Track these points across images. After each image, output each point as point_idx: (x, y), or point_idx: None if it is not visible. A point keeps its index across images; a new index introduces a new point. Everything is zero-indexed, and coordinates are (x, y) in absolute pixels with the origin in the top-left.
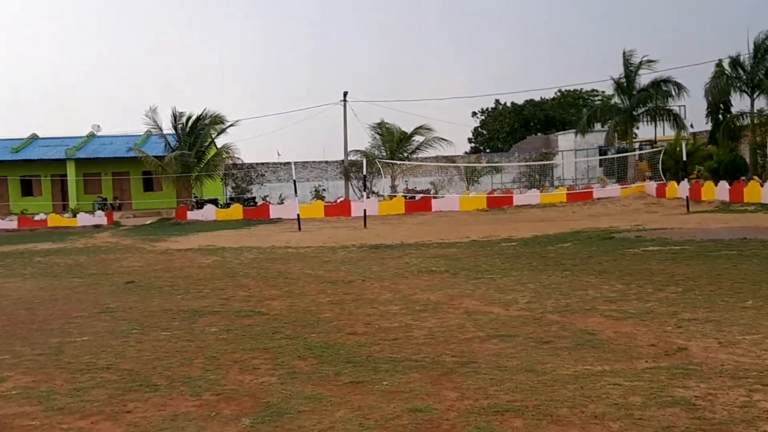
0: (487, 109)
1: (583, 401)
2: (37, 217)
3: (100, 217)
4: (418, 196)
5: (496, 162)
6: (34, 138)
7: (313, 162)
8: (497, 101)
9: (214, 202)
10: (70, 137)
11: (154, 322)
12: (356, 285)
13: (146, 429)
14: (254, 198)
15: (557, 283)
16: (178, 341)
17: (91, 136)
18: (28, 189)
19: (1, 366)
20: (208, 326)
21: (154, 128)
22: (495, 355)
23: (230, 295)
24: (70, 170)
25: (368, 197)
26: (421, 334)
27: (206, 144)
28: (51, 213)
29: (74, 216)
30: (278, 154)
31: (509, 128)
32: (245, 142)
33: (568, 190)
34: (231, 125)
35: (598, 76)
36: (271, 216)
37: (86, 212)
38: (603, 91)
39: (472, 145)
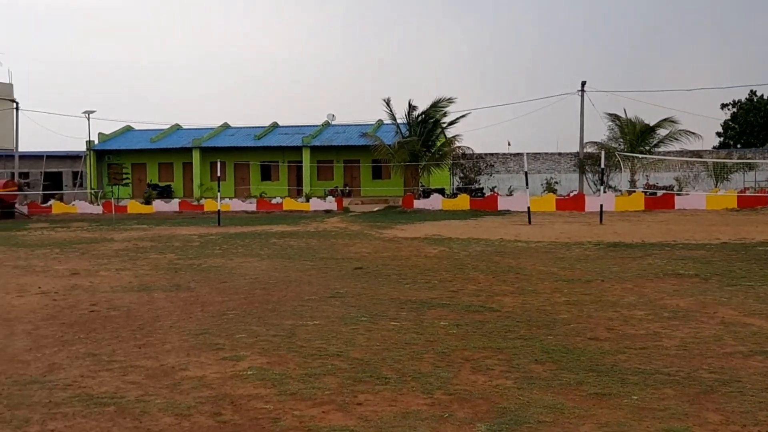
0: (738, 101)
1: None
2: (273, 201)
3: (330, 203)
4: (660, 192)
5: (749, 158)
6: (274, 126)
7: (546, 153)
8: (752, 92)
9: (441, 191)
10: (307, 126)
11: (382, 310)
12: (595, 285)
13: (377, 425)
14: (482, 188)
15: None
16: (407, 333)
17: (326, 125)
18: (267, 174)
19: (239, 345)
20: (437, 319)
21: (388, 117)
22: (761, 374)
23: (459, 288)
24: (306, 157)
25: (605, 191)
26: (672, 345)
27: (436, 133)
28: (286, 197)
29: (307, 201)
30: (509, 144)
31: (765, 122)
32: (476, 132)
33: None
34: (462, 116)
35: None
36: (499, 207)
37: (318, 197)
38: None
39: (721, 139)
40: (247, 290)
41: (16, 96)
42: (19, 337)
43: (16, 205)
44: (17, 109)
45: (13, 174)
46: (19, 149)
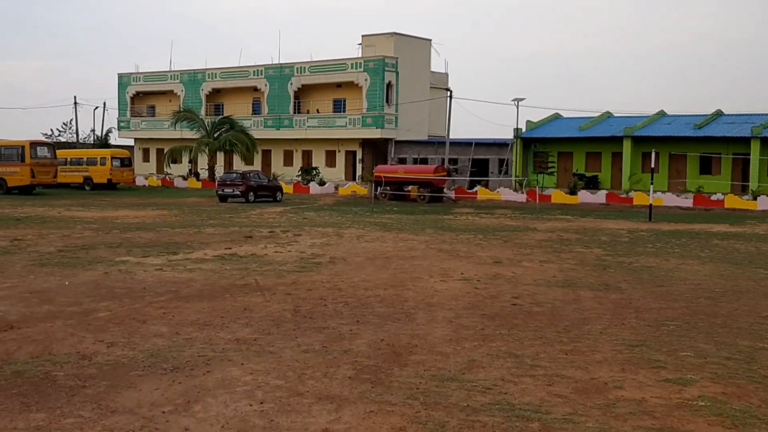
0: None
1: None
2: (713, 197)
3: None
4: None
5: None
6: (718, 114)
7: None
8: None
9: None
10: (758, 114)
11: None
12: None
13: None
14: None
15: None
16: None
17: None
18: (706, 167)
19: (684, 365)
20: None
21: None
22: None
23: None
24: (755, 149)
25: None
26: None
27: None
28: (728, 193)
29: (754, 198)
30: None
31: None
32: None
33: None
34: None
35: None
36: None
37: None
38: None
39: None
40: (689, 298)
41: (449, 85)
42: (440, 324)
43: (445, 190)
44: (450, 97)
45: (443, 160)
46: (450, 136)
